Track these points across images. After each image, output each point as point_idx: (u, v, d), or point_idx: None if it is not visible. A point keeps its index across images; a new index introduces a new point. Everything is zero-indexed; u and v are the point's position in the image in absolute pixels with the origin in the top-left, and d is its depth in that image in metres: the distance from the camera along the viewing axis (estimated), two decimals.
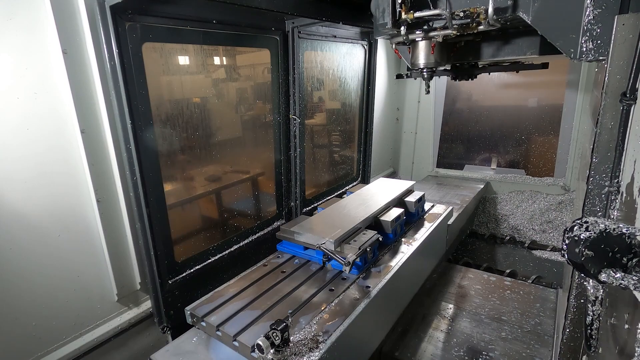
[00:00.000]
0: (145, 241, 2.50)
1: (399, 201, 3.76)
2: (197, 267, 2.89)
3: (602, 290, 1.72)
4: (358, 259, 2.78)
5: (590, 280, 1.70)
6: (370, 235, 2.98)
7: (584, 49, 2.07)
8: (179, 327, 2.86)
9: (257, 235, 3.42)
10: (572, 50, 2.13)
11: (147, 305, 2.72)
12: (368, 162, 4.86)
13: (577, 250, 1.30)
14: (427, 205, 4.11)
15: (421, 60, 3.02)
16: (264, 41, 3.12)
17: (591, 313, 1.76)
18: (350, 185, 4.69)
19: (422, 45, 3.00)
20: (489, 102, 5.89)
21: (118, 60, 2.16)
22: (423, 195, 3.94)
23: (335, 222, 3.10)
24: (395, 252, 3.18)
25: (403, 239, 3.38)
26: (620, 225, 1.29)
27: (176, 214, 2.73)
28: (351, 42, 4.09)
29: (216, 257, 3.03)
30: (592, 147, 2.06)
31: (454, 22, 2.66)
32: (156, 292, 2.64)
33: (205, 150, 2.86)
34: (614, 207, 2.00)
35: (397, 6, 2.67)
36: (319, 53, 3.73)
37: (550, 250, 5.18)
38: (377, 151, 5.18)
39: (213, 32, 2.70)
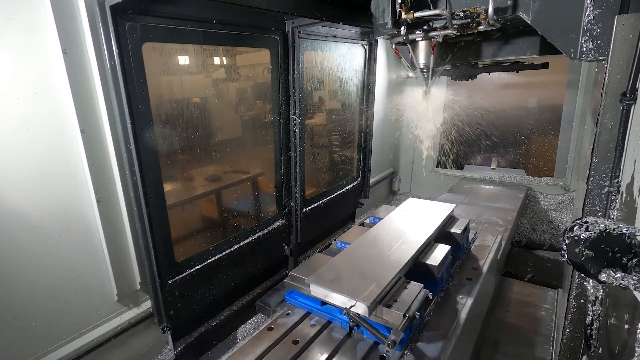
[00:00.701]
0: (145, 241, 2.50)
1: (440, 232, 3.21)
2: (197, 267, 2.89)
3: (602, 290, 1.72)
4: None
5: (590, 281, 1.70)
6: (415, 290, 2.39)
7: (584, 49, 2.07)
8: (179, 327, 2.87)
9: (257, 235, 3.42)
10: (572, 50, 2.14)
11: (147, 305, 2.73)
12: (368, 162, 4.87)
13: (577, 250, 1.29)
14: (471, 234, 3.58)
15: (421, 60, 3.05)
16: (264, 41, 3.13)
17: (591, 313, 1.75)
18: (349, 185, 4.71)
19: (422, 45, 3.03)
20: (489, 102, 5.90)
21: (118, 60, 2.16)
22: (468, 224, 3.41)
23: (365, 269, 2.50)
24: (445, 308, 2.63)
25: (451, 286, 2.85)
26: (620, 225, 1.29)
27: (176, 214, 2.74)
28: (351, 42, 4.10)
29: (216, 257, 3.04)
30: (592, 147, 2.06)
31: (454, 22, 2.68)
32: (156, 292, 2.64)
33: (205, 150, 2.87)
34: (614, 207, 2.00)
35: (397, 6, 2.69)
36: (319, 53, 3.74)
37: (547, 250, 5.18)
38: (377, 151, 5.20)
39: (213, 32, 2.71)
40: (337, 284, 2.32)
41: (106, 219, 2.40)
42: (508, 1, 2.49)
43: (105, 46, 2.13)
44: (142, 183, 2.39)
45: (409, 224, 3.21)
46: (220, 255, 3.07)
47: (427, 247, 2.92)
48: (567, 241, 1.36)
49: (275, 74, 3.29)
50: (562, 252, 1.38)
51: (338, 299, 2.28)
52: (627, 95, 1.86)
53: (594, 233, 1.30)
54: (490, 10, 2.51)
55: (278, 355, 2.21)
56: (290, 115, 3.50)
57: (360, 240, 2.92)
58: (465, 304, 2.66)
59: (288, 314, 2.62)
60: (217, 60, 2.85)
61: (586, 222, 1.34)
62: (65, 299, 2.32)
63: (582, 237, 1.30)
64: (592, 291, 1.74)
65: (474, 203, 4.97)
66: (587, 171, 2.10)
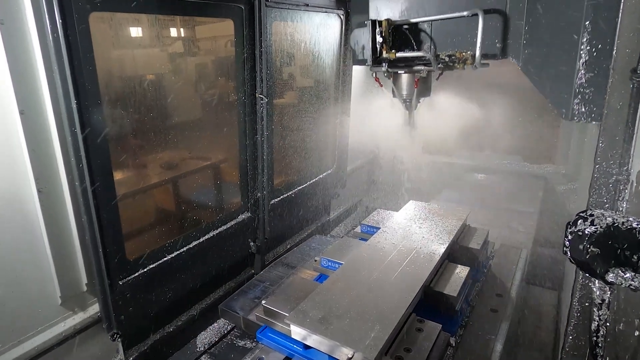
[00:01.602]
0: (92, 237, 2.58)
1: (454, 246, 3.15)
2: (152, 266, 2.99)
3: (609, 292, 1.71)
4: None
5: (596, 281, 1.70)
6: (432, 333, 2.27)
7: (576, 111, 2.21)
8: (131, 334, 2.96)
9: (220, 230, 3.54)
10: (564, 110, 2.28)
11: (95, 309, 2.81)
12: (345, 146, 5.02)
13: (581, 247, 1.33)
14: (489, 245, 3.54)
15: (404, 91, 3.32)
16: (227, 11, 3.21)
17: (597, 318, 1.74)
18: (324, 173, 4.86)
19: (404, 78, 3.27)
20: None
21: (62, 32, 2.21)
22: (487, 235, 3.35)
23: (364, 301, 2.34)
24: (468, 356, 2.52)
25: (472, 320, 2.75)
26: (630, 219, 1.32)
27: (128, 206, 2.83)
28: (325, 11, 4.21)
29: (173, 255, 3.14)
30: (598, 130, 2.09)
31: (439, 64, 2.94)
32: (105, 294, 2.72)
33: (160, 133, 2.96)
34: (623, 197, 2.00)
35: (378, 45, 2.91)
36: (289, 24, 3.84)
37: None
38: (355, 134, 5.32)
39: (169, 0, 2.77)
40: (328, 325, 2.14)
41: (48, 211, 2.46)
42: (497, 44, 2.74)
43: (47, 16, 2.17)
44: (89, 171, 2.46)
45: (415, 237, 3.05)
46: (178, 252, 3.17)
47: (440, 269, 2.76)
48: (569, 237, 1.39)
49: (239, 48, 3.38)
50: (564, 249, 1.41)
51: (329, 347, 2.11)
52: (639, 72, 1.83)
53: (600, 227, 1.33)
54: (477, 55, 2.73)
55: None
56: (257, 94, 3.60)
57: (354, 260, 2.78)
58: (495, 348, 2.51)
59: (261, 358, 2.51)
60: (173, 32, 2.93)
61: (591, 215, 1.37)
62: (0, 301, 2.38)
63: (586, 232, 1.34)
64: (598, 293, 1.72)
65: (479, 199, 5.04)
66: (593, 157, 2.12)
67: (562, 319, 3.34)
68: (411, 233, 3.18)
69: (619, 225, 1.33)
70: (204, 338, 3.32)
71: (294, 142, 4.34)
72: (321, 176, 4.80)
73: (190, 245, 3.27)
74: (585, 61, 2.13)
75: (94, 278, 2.69)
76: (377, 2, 3.35)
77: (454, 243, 3.10)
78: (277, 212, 4.14)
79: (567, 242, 1.43)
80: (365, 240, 3.45)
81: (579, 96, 2.17)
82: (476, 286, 3.10)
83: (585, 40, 2.12)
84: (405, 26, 3.16)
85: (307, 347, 2.33)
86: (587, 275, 1.50)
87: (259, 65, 3.52)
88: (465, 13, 2.84)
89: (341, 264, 2.98)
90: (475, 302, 2.96)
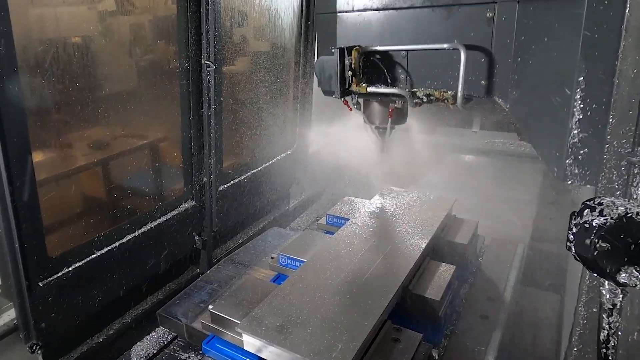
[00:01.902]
0: (7, 230, 2.58)
1: (437, 241, 3.29)
2: (79, 264, 3.02)
3: (621, 296, 1.70)
4: None
5: (606, 283, 1.71)
6: (410, 345, 2.33)
7: (569, 173, 2.27)
8: (53, 344, 2.98)
9: (158, 221, 3.59)
10: (556, 169, 2.35)
11: (10, 315, 2.83)
12: (308, 123, 5.13)
13: (587, 241, 1.34)
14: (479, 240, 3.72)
15: (376, 120, 3.49)
16: None
17: (607, 326, 1.75)
18: (283, 154, 4.94)
19: (376, 107, 3.41)
20: None
21: None
22: (477, 228, 3.52)
23: (329, 307, 2.40)
24: None
25: (458, 328, 2.85)
26: None
27: (50, 193, 2.84)
28: None
29: (103, 251, 3.17)
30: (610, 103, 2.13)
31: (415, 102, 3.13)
32: (22, 298, 2.73)
33: (88, 107, 2.98)
34: (638, 183, 2.01)
35: (347, 77, 3.03)
36: None
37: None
38: (319, 106, 5.37)
39: None
40: (287, 335, 2.18)
41: None
42: (481, 81, 2.91)
43: None
44: (2, 152, 2.47)
45: (391, 230, 3.17)
46: (109, 248, 3.21)
47: (421, 268, 2.85)
48: (574, 229, 1.40)
49: (182, 4, 3.41)
50: (568, 244, 1.43)
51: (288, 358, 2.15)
52: (636, 156, 1.90)
53: (611, 218, 1.33)
54: (459, 96, 2.88)
55: None
56: (203, 61, 3.65)
57: (319, 257, 2.86)
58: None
59: None
60: None
61: (600, 203, 1.38)
62: None
63: (594, 224, 1.34)
64: (608, 297, 1.72)
65: (467, 187, 5.13)
66: (603, 135, 2.16)
67: (565, 327, 3.39)
68: (386, 225, 3.30)
69: (633, 216, 1.33)
70: (140, 350, 3.33)
71: (247, 117, 4.39)
72: (279, 158, 4.89)
73: (124, 240, 3.31)
74: (579, 120, 2.20)
75: (9, 279, 2.69)
76: None
77: (436, 237, 3.22)
78: (227, 201, 4.21)
79: (571, 236, 1.44)
80: (332, 233, 3.54)
81: (572, 157, 2.24)
82: (463, 288, 3.21)
83: (579, 97, 2.19)
84: (378, 56, 3.32)
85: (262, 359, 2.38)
86: (595, 275, 1.52)
87: (205, 25, 3.55)
88: (445, 46, 2.99)
89: (303, 262, 3.06)
90: (462, 307, 3.06)
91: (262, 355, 2.32)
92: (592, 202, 1.41)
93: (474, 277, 3.43)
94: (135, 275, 3.48)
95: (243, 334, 2.32)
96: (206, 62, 3.65)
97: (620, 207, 1.35)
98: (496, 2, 2.87)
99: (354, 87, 3.21)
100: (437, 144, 6.25)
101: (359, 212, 3.61)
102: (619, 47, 2.01)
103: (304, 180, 5.53)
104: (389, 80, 3.27)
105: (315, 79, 4.49)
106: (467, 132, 6.24)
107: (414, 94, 3.20)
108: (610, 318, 1.71)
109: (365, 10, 3.34)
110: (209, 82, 3.70)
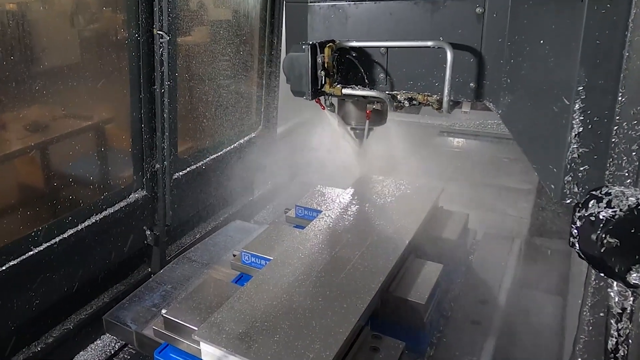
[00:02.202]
0: None
1: (421, 237, 3.35)
2: (12, 264, 3.07)
3: (631, 299, 1.73)
4: None
5: (615, 284, 1.73)
6: (391, 355, 2.39)
7: (567, 191, 2.30)
8: None
9: (104, 213, 3.67)
10: (553, 186, 2.39)
11: None
12: (275, 100, 5.22)
13: (594, 236, 1.39)
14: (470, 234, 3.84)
15: (352, 121, 3.54)
16: None
17: (615, 333, 1.79)
18: (246, 137, 5.04)
19: (353, 108, 3.50)
20: None
21: None
22: (467, 221, 3.64)
23: (300, 310, 2.46)
24: None
25: (445, 336, 2.97)
26: None
27: None
28: None
29: (42, 248, 3.23)
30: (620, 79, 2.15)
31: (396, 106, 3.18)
32: None
33: (24, 84, 3.04)
34: None
35: (319, 77, 3.11)
36: None
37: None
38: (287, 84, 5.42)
39: None
40: (250, 343, 2.20)
41: None
42: (471, 84, 2.98)
43: None
44: None
45: (369, 224, 3.23)
46: (48, 244, 3.28)
47: (403, 267, 2.92)
48: (578, 223, 1.47)
49: None
50: (571, 239, 1.48)
51: None
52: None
53: (620, 210, 1.39)
54: (445, 101, 2.94)
55: None
56: (155, 31, 3.72)
57: (287, 255, 2.91)
58: None
59: None
60: None
61: (608, 193, 1.45)
62: None
63: (601, 217, 1.40)
64: (616, 300, 1.75)
65: (457, 174, 5.20)
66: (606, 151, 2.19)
67: (568, 334, 3.43)
68: (364, 218, 3.38)
69: None
70: None
71: (205, 95, 4.46)
72: (242, 141, 4.99)
73: (65, 235, 3.38)
74: (579, 133, 2.23)
75: None
76: None
77: (421, 232, 3.27)
78: (182, 190, 4.29)
79: (575, 231, 1.49)
80: (302, 227, 3.61)
81: (571, 173, 2.27)
82: (452, 290, 3.33)
83: (578, 107, 2.22)
84: (354, 53, 3.36)
85: None
86: (602, 275, 1.57)
87: None
88: (429, 43, 3.02)
89: (269, 260, 3.12)
90: (451, 312, 3.17)
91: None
92: (598, 192, 1.45)
93: (464, 277, 3.54)
94: (78, 275, 3.55)
95: (201, 343, 2.35)
96: (159, 32, 3.70)
97: (630, 198, 1.40)
98: None
99: (327, 88, 3.23)
100: (425, 126, 6.35)
101: (332, 204, 3.67)
102: (622, 54, 2.08)
103: (271, 166, 5.57)
104: (366, 81, 3.30)
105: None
106: (457, 112, 6.38)
107: (394, 97, 3.24)
108: (619, 324, 1.74)
109: (339, 1, 3.33)
110: (161, 55, 3.76)
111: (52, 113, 3.34)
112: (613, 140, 2.12)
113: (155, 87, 3.86)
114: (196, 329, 2.42)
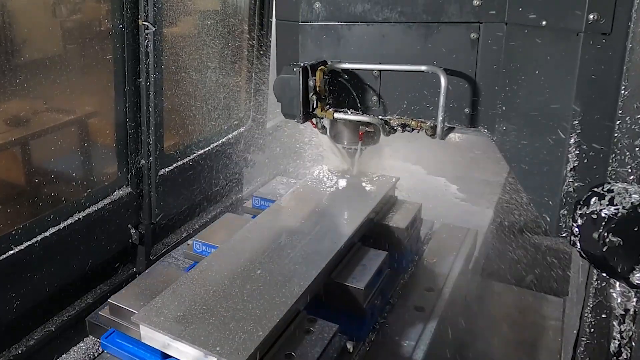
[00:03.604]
0: None
1: (370, 226, 3.53)
2: None
3: (635, 300, 1.74)
4: None
5: (617, 284, 1.75)
6: (323, 337, 2.51)
7: (563, 224, 2.30)
8: None
9: (87, 211, 3.63)
10: (549, 219, 2.39)
11: None
12: (264, 96, 5.18)
13: (595, 235, 1.39)
14: (425, 225, 3.94)
15: (344, 141, 3.63)
16: None
17: (618, 335, 1.81)
18: (234, 132, 5.01)
19: (345, 130, 3.53)
20: None
21: None
22: (419, 211, 3.74)
23: (240, 296, 2.59)
24: None
25: (389, 321, 3.11)
26: None
27: None
28: None
29: (22, 247, 3.19)
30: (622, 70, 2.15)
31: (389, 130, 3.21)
32: None
33: (3, 76, 2.99)
34: None
35: (311, 100, 3.15)
36: None
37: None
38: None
39: None
40: (187, 326, 2.33)
41: None
42: (465, 109, 2.99)
43: None
44: None
45: (319, 213, 3.42)
46: (29, 243, 3.24)
47: (348, 255, 3.09)
48: (579, 221, 1.48)
49: None
50: (572, 238, 1.50)
51: (187, 354, 2.32)
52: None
53: (623, 208, 1.38)
54: (439, 128, 2.97)
55: None
56: (140, 21, 3.68)
57: (234, 243, 3.07)
58: (413, 357, 2.82)
59: None
60: None
61: (610, 190, 1.45)
62: None
63: (603, 215, 1.40)
64: (619, 301, 1.77)
65: (423, 162, 5.34)
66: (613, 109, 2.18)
67: (568, 336, 3.48)
68: (314, 208, 3.51)
69: None
70: None
71: (192, 88, 4.43)
72: (230, 136, 4.95)
73: (47, 234, 3.34)
74: (574, 167, 2.24)
75: None
76: None
77: (370, 221, 3.43)
78: (169, 187, 4.25)
79: (577, 229, 1.50)
80: None
81: (567, 207, 2.26)
82: (401, 278, 3.43)
83: (573, 141, 2.23)
84: (346, 76, 3.38)
85: (167, 356, 2.53)
86: (604, 275, 1.58)
87: None
88: (423, 68, 3.04)
89: (217, 247, 3.25)
90: (398, 299, 3.29)
91: (160, 348, 2.48)
92: (600, 189, 1.44)
93: (414, 266, 3.65)
94: (60, 276, 3.51)
95: (140, 326, 2.45)
96: (144, 23, 3.66)
97: (633, 195, 1.40)
98: (481, 23, 2.91)
99: (318, 112, 3.29)
100: None
101: (287, 194, 3.83)
102: (619, 88, 2.08)
103: (260, 162, 5.57)
104: (359, 104, 3.34)
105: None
106: None
107: (387, 123, 3.29)
108: (621, 326, 1.76)
109: (332, 21, 3.34)
110: (147, 47, 3.72)
111: (33, 107, 3.29)
112: (617, 136, 2.11)
113: (140, 80, 3.82)
114: (136, 313, 2.52)
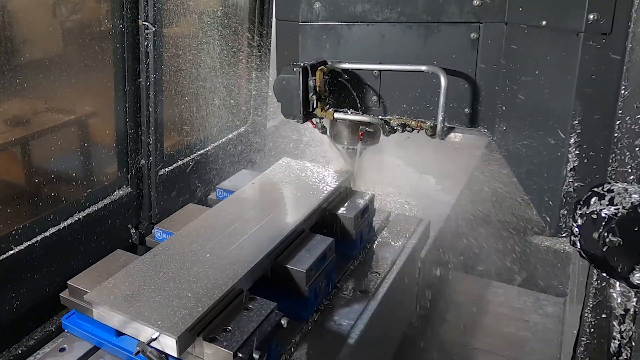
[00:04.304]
0: None
1: (322, 215, 3.70)
2: None
3: (635, 300, 1.74)
4: None
5: (617, 284, 1.75)
6: (260, 314, 2.67)
7: (563, 224, 2.34)
8: None
9: (87, 211, 3.64)
10: (549, 219, 2.42)
11: None
12: (264, 96, 5.19)
13: (595, 235, 1.39)
14: (381, 215, 4.18)
15: (345, 141, 3.68)
16: None
17: (618, 335, 1.81)
18: (234, 132, 5.02)
19: (345, 130, 3.57)
20: None
21: None
22: (371, 201, 3.89)
23: (186, 277, 2.80)
24: (318, 343, 3.02)
25: (332, 303, 3.28)
26: None
27: None
28: None
29: (22, 247, 3.20)
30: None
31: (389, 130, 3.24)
32: None
33: (4, 76, 3.00)
34: None
35: (310, 100, 3.19)
36: None
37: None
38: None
39: None
40: (133, 303, 2.52)
41: None
42: (465, 109, 3.00)
43: None
44: None
45: (273, 203, 3.59)
46: (29, 243, 3.25)
47: (296, 241, 3.27)
48: (580, 221, 1.46)
49: None
50: (572, 238, 1.49)
51: (134, 328, 2.50)
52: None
53: (623, 208, 1.37)
54: (439, 128, 2.99)
55: None
56: (140, 22, 3.69)
57: (189, 230, 3.24)
58: (350, 335, 3.01)
59: (63, 349, 2.93)
60: None
61: (610, 190, 1.44)
62: None
63: (603, 215, 1.39)
64: (619, 301, 1.77)
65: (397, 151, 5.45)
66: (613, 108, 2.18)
67: (568, 337, 3.49)
68: (269, 198, 3.71)
69: None
70: None
71: (192, 88, 4.44)
72: (230, 136, 4.96)
73: (47, 234, 3.35)
74: (574, 167, 2.26)
75: None
76: None
77: (321, 210, 3.61)
78: (169, 187, 4.26)
79: (577, 229, 1.48)
80: None
81: (567, 207, 2.29)
82: (350, 266, 3.61)
83: (574, 141, 2.25)
84: (347, 76, 3.41)
85: (120, 333, 2.75)
86: (605, 275, 1.58)
87: None
88: (423, 68, 3.06)
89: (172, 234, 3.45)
90: (344, 283, 3.46)
91: (110, 324, 2.67)
92: (600, 189, 1.44)
93: (365, 253, 3.84)
94: (61, 275, 3.49)
95: (93, 305, 2.63)
96: (144, 23, 3.68)
97: (634, 195, 1.39)
98: (481, 23, 2.94)
99: (318, 112, 3.34)
100: None
101: (245, 185, 3.99)
102: (619, 88, 2.09)
103: (260, 162, 5.54)
104: (359, 104, 3.38)
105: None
106: None
107: (387, 123, 3.33)
108: (621, 326, 1.76)
109: (332, 21, 3.37)
110: (147, 46, 3.74)
111: (33, 107, 3.30)
112: (617, 135, 2.11)
113: (140, 80, 3.84)
114: (89, 293, 2.72)
